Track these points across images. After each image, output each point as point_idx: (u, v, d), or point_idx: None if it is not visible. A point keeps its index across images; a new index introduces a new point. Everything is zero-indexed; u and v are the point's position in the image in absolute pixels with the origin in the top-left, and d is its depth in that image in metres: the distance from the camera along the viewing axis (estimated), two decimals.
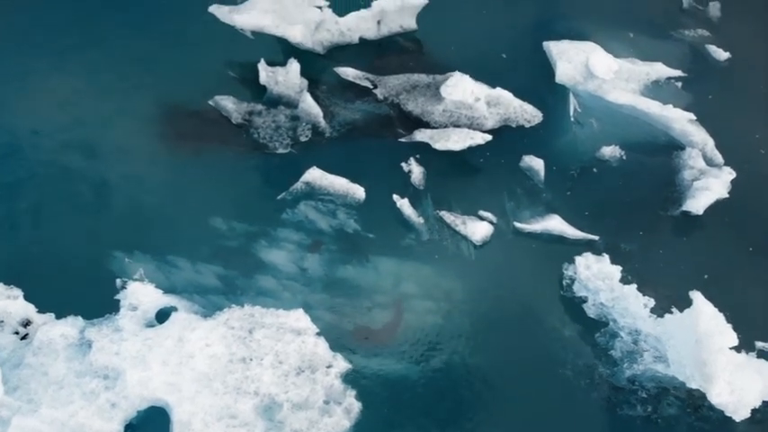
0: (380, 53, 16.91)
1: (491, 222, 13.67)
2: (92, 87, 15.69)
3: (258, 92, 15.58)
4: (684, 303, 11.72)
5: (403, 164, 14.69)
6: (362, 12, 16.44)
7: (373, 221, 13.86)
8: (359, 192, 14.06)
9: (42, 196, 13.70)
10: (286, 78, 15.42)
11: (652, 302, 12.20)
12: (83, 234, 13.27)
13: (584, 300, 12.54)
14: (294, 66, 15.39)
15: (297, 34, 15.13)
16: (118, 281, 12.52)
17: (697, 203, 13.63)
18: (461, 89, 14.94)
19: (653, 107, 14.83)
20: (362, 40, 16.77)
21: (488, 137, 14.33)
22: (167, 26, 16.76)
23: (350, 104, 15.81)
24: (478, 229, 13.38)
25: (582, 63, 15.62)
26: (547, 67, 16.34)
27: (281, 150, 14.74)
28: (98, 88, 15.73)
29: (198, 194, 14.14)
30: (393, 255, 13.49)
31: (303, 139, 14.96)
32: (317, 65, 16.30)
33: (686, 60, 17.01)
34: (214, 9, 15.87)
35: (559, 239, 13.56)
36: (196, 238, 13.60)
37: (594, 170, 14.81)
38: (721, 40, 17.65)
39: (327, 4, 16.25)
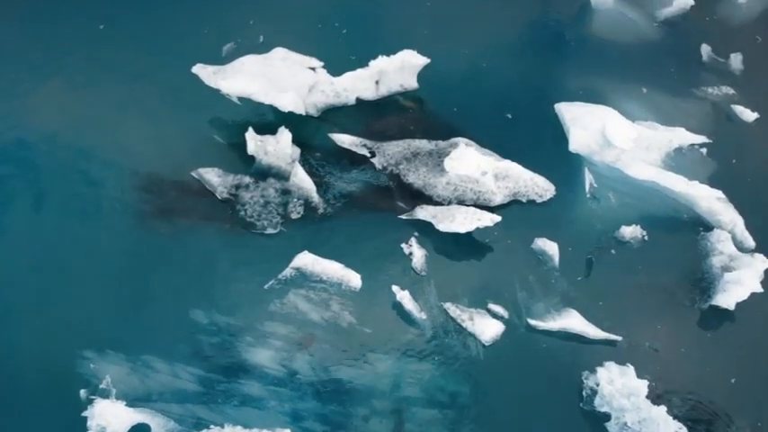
0: (379, 115, 15.63)
1: (501, 318, 12.34)
2: (62, 158, 14.49)
3: (246, 162, 14.29)
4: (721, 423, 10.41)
5: (403, 245, 13.39)
6: (360, 71, 15.15)
7: (370, 314, 12.56)
8: (354, 279, 12.76)
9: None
10: (276, 148, 14.14)
11: (684, 431, 10.84)
12: (44, 332, 11.97)
13: (606, 417, 11.20)
14: (285, 135, 14.11)
15: (288, 103, 13.84)
16: (83, 392, 11.18)
17: (728, 298, 12.31)
18: (466, 162, 13.66)
19: (677, 184, 13.54)
20: (359, 101, 15.48)
21: (497, 218, 13.01)
22: (147, 86, 15.52)
23: (346, 174, 14.52)
24: (488, 327, 12.07)
25: (598, 130, 14.34)
26: (559, 132, 15.05)
27: (269, 230, 13.44)
28: (68, 156, 14.53)
29: (177, 281, 12.85)
30: (392, 353, 12.20)
31: (294, 216, 13.65)
32: (310, 128, 15.03)
33: (710, 123, 15.72)
34: (198, 69, 14.58)
35: (578, 339, 12.22)
36: (174, 334, 12.32)
37: (613, 252, 13.50)
38: (747, 98, 16.38)
39: (322, 64, 14.94)
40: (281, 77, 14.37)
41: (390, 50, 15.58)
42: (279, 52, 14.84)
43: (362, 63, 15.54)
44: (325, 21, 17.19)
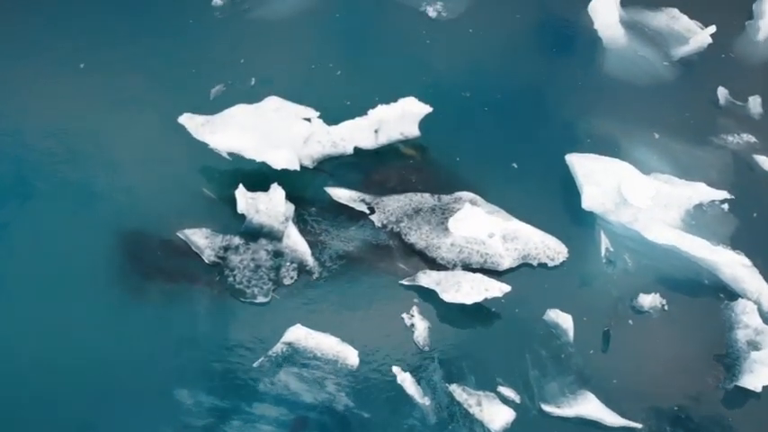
0: (378, 164, 14.64)
1: (512, 402, 11.35)
2: (39, 210, 13.48)
3: (235, 221, 13.29)
4: None
5: (404, 315, 12.40)
6: (358, 120, 14.17)
7: (369, 395, 11.58)
8: (351, 356, 11.78)
9: None
10: (269, 206, 13.13)
11: None
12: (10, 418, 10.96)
13: None
14: (278, 192, 13.10)
15: (281, 160, 12.83)
16: None
17: (755, 380, 11.37)
18: (472, 224, 12.68)
19: (700, 250, 12.59)
20: (358, 150, 14.48)
21: (506, 288, 12.04)
22: (128, 133, 14.53)
23: (343, 232, 13.52)
24: (497, 413, 11.09)
25: (613, 187, 13.38)
26: (569, 185, 14.08)
27: (260, 299, 12.43)
28: (45, 209, 13.53)
29: (160, 357, 11.83)
30: None
31: (287, 281, 12.65)
32: (305, 180, 14.03)
33: (731, 175, 14.79)
34: (185, 120, 13.57)
35: (595, 425, 11.25)
36: (156, 416, 11.31)
37: (630, 322, 12.55)
38: None
39: (317, 114, 13.93)
40: (274, 130, 13.36)
41: (388, 93, 14.65)
42: (272, 102, 13.84)
43: (358, 107, 14.62)
44: (318, 60, 16.24)
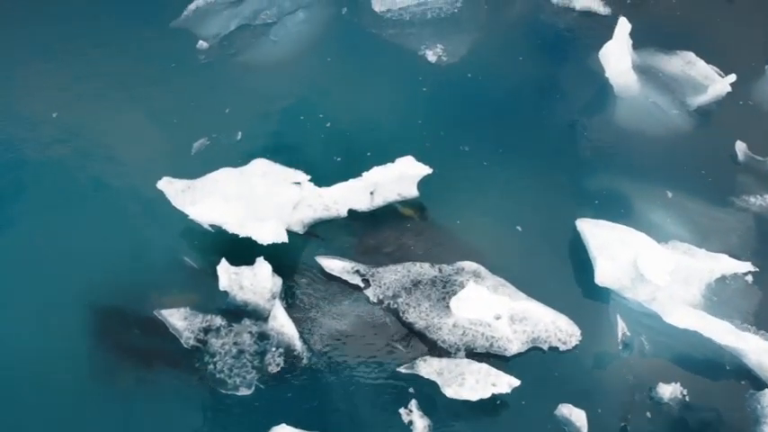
0: (374, 228, 13.54)
1: None
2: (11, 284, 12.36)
3: (217, 298, 12.15)
4: None
5: (402, 410, 11.27)
6: (352, 182, 13.06)
7: None
8: None
9: None
10: (253, 282, 11.99)
11: None
12: None
13: None
14: (264, 268, 11.96)
15: (268, 235, 11.69)
16: None
17: None
18: (476, 306, 11.59)
19: (725, 336, 11.51)
20: (352, 212, 13.35)
21: (515, 382, 10.96)
22: (102, 195, 13.38)
23: (335, 307, 12.41)
24: None
25: (628, 261, 12.30)
26: (581, 254, 12.99)
27: (242, 391, 11.30)
28: (19, 280, 12.40)
29: None
30: None
31: (272, 369, 11.51)
32: (294, 249, 12.90)
33: (754, 241, 13.72)
34: (164, 185, 12.45)
35: None
36: None
37: (649, 415, 11.46)
38: None
39: (308, 178, 12.80)
40: (261, 199, 12.22)
41: (382, 148, 13.79)
42: (258, 165, 12.72)
43: (351, 163, 13.67)
44: (308, 110, 15.12)
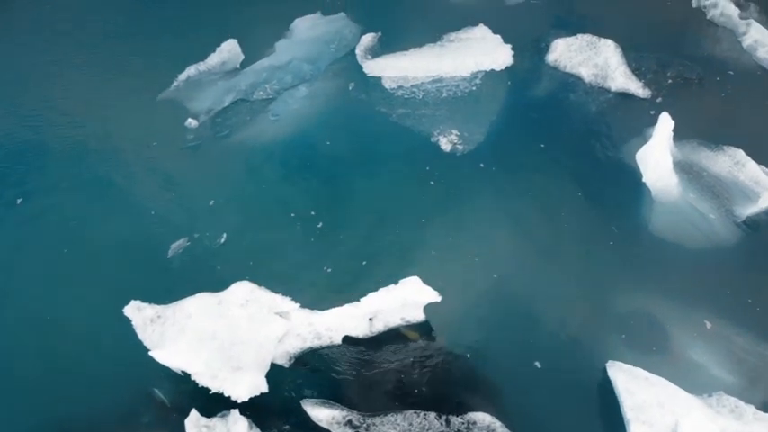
0: (372, 359, 11.76)
1: None
2: None
3: None
4: None
5: None
6: (348, 307, 11.28)
7: None
8: None
9: None
10: None
11: None
12: None
13: None
14: (240, 423, 10.17)
15: (243, 391, 9.92)
16: None
17: None
18: None
19: None
20: (347, 338, 11.56)
21: None
22: (66, 316, 11.67)
23: None
24: None
25: (667, 427, 10.37)
26: (612, 407, 11.11)
27: None
28: None
29: None
30: None
31: None
32: (277, 390, 11.09)
33: None
34: (130, 312, 10.79)
35: None
36: None
37: None
38: None
39: (297, 306, 11.02)
40: (240, 337, 10.46)
41: (383, 257, 11.95)
42: (239, 291, 10.97)
43: (344, 277, 11.88)
44: (300, 207, 13.41)
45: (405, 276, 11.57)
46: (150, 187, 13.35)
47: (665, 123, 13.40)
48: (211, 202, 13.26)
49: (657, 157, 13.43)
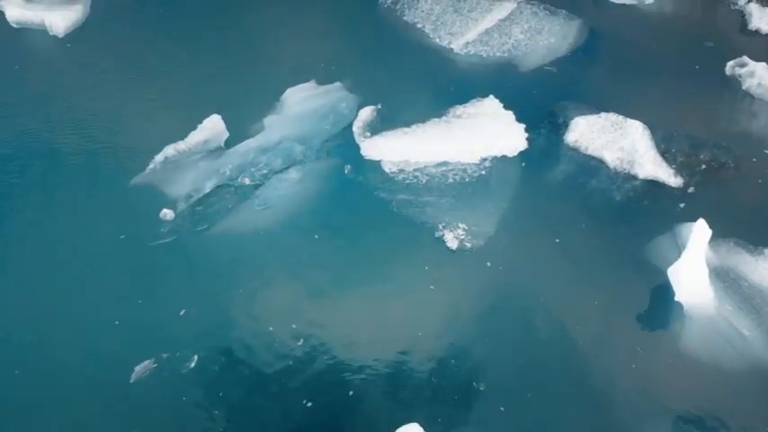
0: None
1: None
2: None
3: None
4: None
5: None
6: None
7: None
8: None
9: None
10: None
11: None
12: None
13: None
14: None
15: None
16: None
17: None
18: None
19: None
20: None
21: None
22: None
23: None
24: None
25: None
26: None
27: None
28: None
29: None
30: None
31: None
32: None
33: None
34: None
35: None
36: None
37: None
38: None
39: None
40: None
41: (371, 393, 10.42)
42: None
43: (326, 416, 10.29)
44: (280, 320, 11.90)
45: (402, 423, 9.93)
46: (114, 291, 11.85)
47: (701, 233, 11.73)
48: (182, 312, 11.72)
49: (692, 273, 11.75)
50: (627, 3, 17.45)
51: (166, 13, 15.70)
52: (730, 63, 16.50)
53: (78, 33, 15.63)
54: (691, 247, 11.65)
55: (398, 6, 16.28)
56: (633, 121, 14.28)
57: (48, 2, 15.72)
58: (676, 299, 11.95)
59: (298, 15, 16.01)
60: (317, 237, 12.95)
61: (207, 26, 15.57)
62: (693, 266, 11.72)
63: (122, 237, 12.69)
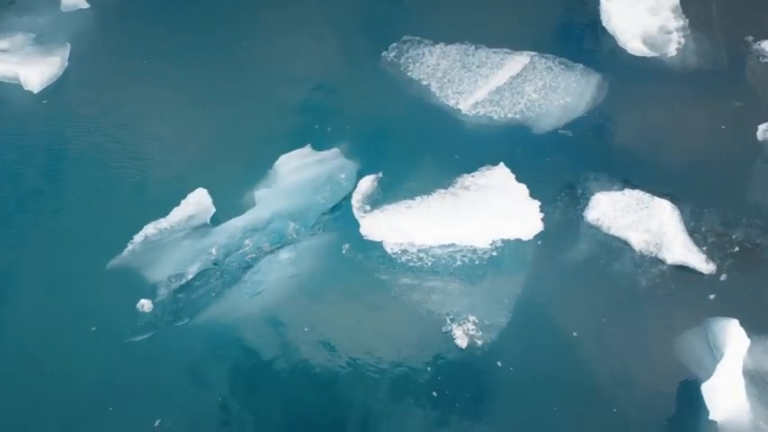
0: None
1: None
2: None
3: None
4: None
5: None
6: None
7: None
8: None
9: None
10: None
11: None
12: None
13: None
14: None
15: None
16: None
17: None
18: None
19: None
20: None
21: None
22: None
23: None
24: None
25: None
26: None
27: None
28: None
29: None
30: None
31: None
32: None
33: None
34: None
35: None
36: None
37: None
38: None
39: None
40: None
41: None
42: None
43: None
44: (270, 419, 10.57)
45: None
46: (81, 397, 10.57)
47: (738, 341, 10.48)
48: (157, 423, 10.44)
49: (729, 389, 10.44)
50: (648, 55, 16.13)
51: (149, 69, 14.40)
52: (762, 126, 15.21)
53: (55, 88, 14.32)
54: (727, 360, 10.37)
55: (402, 60, 14.99)
56: (660, 200, 12.99)
57: (23, 53, 14.43)
58: (710, 418, 10.62)
59: (291, 70, 14.76)
60: (306, 330, 11.69)
61: (193, 82, 14.29)
62: (730, 382, 10.43)
63: (93, 329, 11.40)
